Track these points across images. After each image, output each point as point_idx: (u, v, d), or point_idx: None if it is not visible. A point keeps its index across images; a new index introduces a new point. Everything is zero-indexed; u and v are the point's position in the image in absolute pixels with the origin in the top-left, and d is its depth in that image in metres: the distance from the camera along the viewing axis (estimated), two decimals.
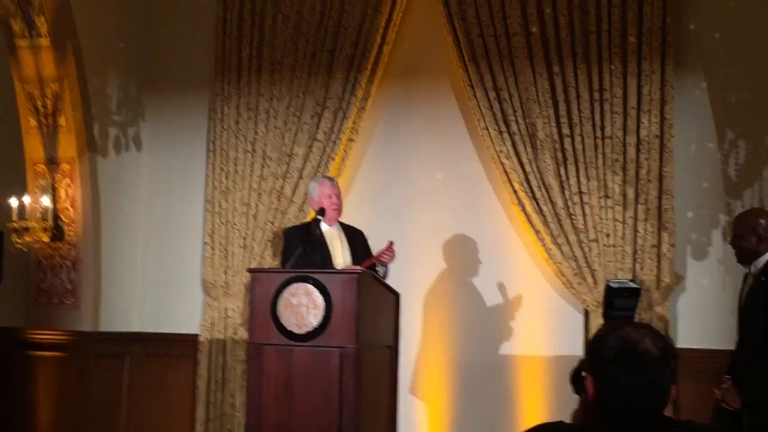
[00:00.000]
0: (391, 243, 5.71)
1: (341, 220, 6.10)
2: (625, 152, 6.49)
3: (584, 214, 6.53)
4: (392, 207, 7.05)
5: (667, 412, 2.48)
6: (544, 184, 6.59)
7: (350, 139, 7.01)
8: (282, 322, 5.16)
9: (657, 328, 2.58)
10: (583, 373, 2.54)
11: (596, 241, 6.50)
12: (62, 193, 7.02)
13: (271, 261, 6.99)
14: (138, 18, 7.61)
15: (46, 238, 6.83)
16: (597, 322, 6.42)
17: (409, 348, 6.66)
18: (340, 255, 5.91)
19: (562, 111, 6.60)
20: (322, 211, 5.83)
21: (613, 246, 6.48)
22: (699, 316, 6.46)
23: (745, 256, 5.31)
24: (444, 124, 7.02)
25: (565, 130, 6.58)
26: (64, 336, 6.95)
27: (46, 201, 6.86)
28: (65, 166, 7.02)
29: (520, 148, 6.64)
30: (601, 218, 6.50)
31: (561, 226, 6.55)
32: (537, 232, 6.62)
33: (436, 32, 6.95)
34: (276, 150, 7.10)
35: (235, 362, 7.04)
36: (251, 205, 7.12)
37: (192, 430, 7.13)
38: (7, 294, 7.33)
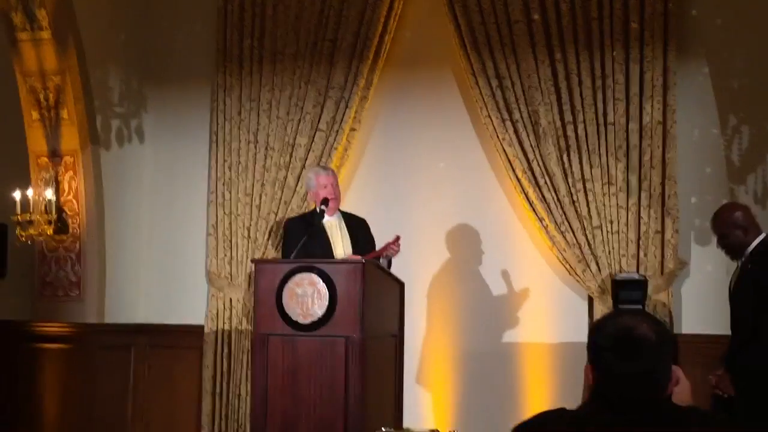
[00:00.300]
0: (398, 237, 5.70)
1: (343, 208, 6.11)
2: (627, 139, 6.48)
3: (588, 201, 6.53)
4: (395, 196, 7.05)
5: (678, 397, 2.51)
6: (547, 171, 6.59)
7: (353, 129, 7.01)
8: (287, 312, 5.18)
9: (656, 315, 2.61)
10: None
11: (600, 228, 6.50)
12: (65, 185, 7.03)
13: (274, 251, 7.00)
14: (139, 9, 7.59)
15: (50, 231, 6.83)
16: (601, 309, 6.44)
17: (414, 337, 6.66)
18: (340, 245, 5.91)
19: (565, 98, 6.59)
20: (325, 201, 5.82)
21: (617, 233, 6.47)
22: (703, 302, 6.47)
23: (737, 250, 5.35)
24: (446, 113, 7.01)
25: (568, 117, 6.57)
26: (70, 328, 6.96)
27: (49, 194, 6.86)
28: (68, 159, 7.01)
29: (523, 135, 6.64)
30: (604, 205, 6.50)
31: (564, 213, 6.55)
32: (540, 219, 6.62)
33: (437, 20, 6.94)
34: (279, 140, 7.10)
35: (240, 353, 7.06)
36: (254, 195, 7.13)
37: (198, 421, 7.15)
38: (12, 287, 7.34)
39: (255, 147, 7.16)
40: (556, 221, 6.56)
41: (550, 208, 6.58)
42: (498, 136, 6.69)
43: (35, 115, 7.00)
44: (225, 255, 7.18)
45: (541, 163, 6.60)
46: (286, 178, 7.05)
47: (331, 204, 5.88)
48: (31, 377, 6.95)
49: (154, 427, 7.36)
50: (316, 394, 5.10)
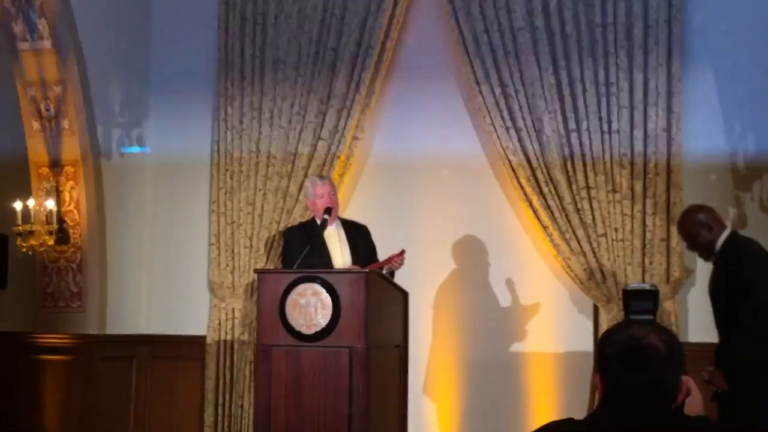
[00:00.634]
0: (403, 251, 5.68)
1: (345, 216, 6.09)
2: (632, 146, 6.46)
3: (592, 209, 6.50)
4: (398, 205, 7.02)
5: (689, 408, 2.50)
6: (551, 179, 6.56)
7: (355, 138, 6.98)
8: (290, 322, 5.14)
9: (664, 324, 2.61)
10: None
11: (605, 235, 6.47)
12: (67, 195, 6.99)
13: (277, 261, 6.96)
14: (140, 18, 7.57)
15: (51, 242, 6.80)
16: (606, 317, 6.41)
17: (419, 347, 6.62)
18: (339, 254, 5.89)
19: (569, 106, 6.57)
20: (328, 211, 5.81)
21: (622, 240, 6.44)
22: (709, 310, 6.38)
23: (707, 250, 5.37)
24: (449, 121, 6.99)
25: (572, 125, 6.55)
26: (71, 339, 6.92)
27: (50, 204, 6.82)
28: (69, 169, 6.98)
29: (527, 143, 6.61)
30: (609, 213, 6.47)
31: (569, 221, 6.52)
32: (545, 227, 6.58)
33: (440, 28, 6.93)
34: (281, 149, 7.07)
35: (242, 363, 7.02)
36: (257, 204, 7.09)
37: None
38: (13, 298, 7.31)
39: (257, 156, 7.13)
40: (560, 229, 6.53)
41: (554, 216, 6.54)
42: (502, 144, 6.66)
43: (36, 125, 6.97)
44: (227, 265, 7.15)
45: (545, 171, 6.57)
46: (288, 187, 7.02)
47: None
48: (32, 389, 6.91)
49: None
50: (319, 405, 5.06)
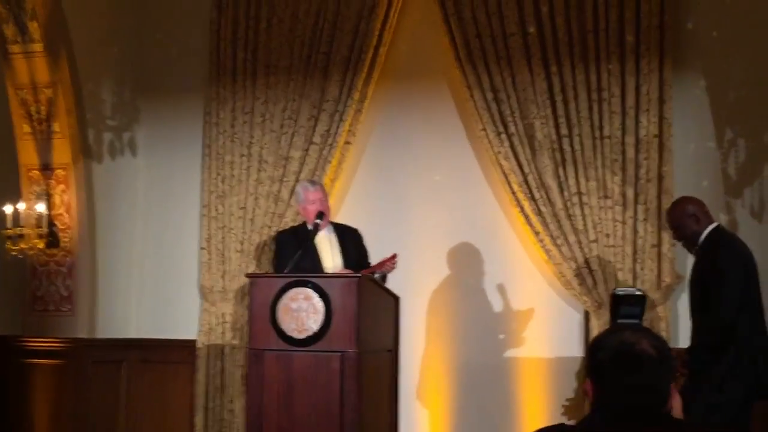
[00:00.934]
0: (395, 255, 5.68)
1: (336, 220, 6.09)
2: (624, 152, 6.46)
3: (584, 215, 6.50)
4: (390, 210, 7.01)
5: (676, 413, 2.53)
6: (543, 184, 6.56)
7: (347, 142, 6.97)
8: (282, 327, 5.14)
9: (655, 330, 2.65)
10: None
11: (596, 241, 6.47)
12: (57, 199, 6.98)
13: (268, 266, 6.95)
14: (132, 22, 7.56)
15: (41, 245, 6.79)
16: (597, 323, 6.41)
17: (410, 351, 6.61)
18: (330, 258, 5.90)
19: (560, 111, 6.57)
20: (320, 215, 5.80)
21: (613, 246, 6.45)
22: None
23: (691, 240, 5.45)
24: (441, 126, 6.99)
25: (564, 131, 6.55)
26: (61, 343, 6.90)
27: (40, 207, 6.81)
28: (60, 172, 6.97)
29: (519, 149, 6.61)
30: (600, 219, 6.48)
31: (560, 226, 6.52)
32: (536, 233, 6.58)
33: (432, 33, 6.92)
34: (272, 153, 7.06)
35: (233, 367, 7.00)
36: (248, 209, 7.08)
37: None
38: (3, 302, 7.29)
39: (248, 160, 7.12)
40: (552, 235, 6.53)
41: (546, 222, 6.54)
42: (493, 150, 6.66)
43: (27, 128, 6.96)
44: (218, 269, 7.13)
45: (536, 177, 6.57)
46: (279, 191, 7.01)
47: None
48: (21, 393, 6.89)
49: None
50: (311, 409, 5.06)
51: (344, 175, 7.05)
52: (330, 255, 5.90)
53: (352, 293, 5.10)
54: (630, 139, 6.45)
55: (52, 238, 6.91)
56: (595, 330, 6.35)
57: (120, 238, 7.34)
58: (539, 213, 6.55)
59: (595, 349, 2.51)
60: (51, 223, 6.91)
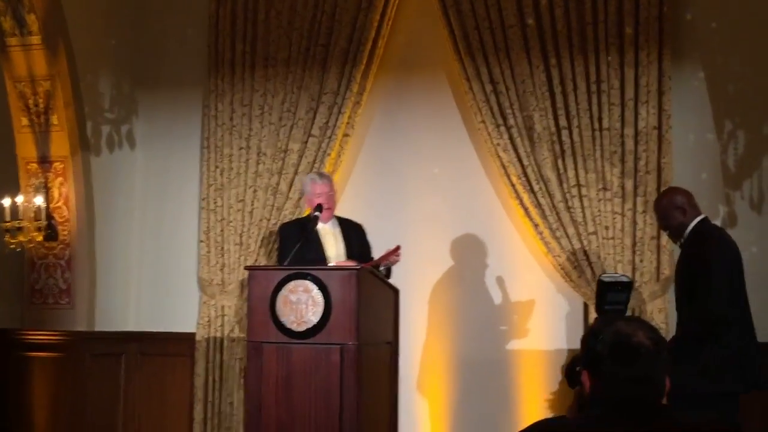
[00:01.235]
0: (398, 247, 5.68)
1: (340, 214, 6.08)
2: (623, 144, 6.46)
3: (583, 207, 6.50)
4: (389, 202, 7.01)
5: None
6: (542, 177, 6.55)
7: (346, 134, 6.96)
8: (281, 319, 5.14)
9: (652, 322, 2.64)
10: (578, 368, 2.62)
11: (595, 233, 6.47)
12: (55, 192, 6.97)
13: (266, 258, 6.95)
14: (130, 14, 7.54)
15: (39, 238, 6.78)
16: (596, 315, 6.40)
17: (409, 344, 6.60)
18: (333, 251, 5.89)
19: (560, 103, 6.56)
20: (319, 208, 5.80)
21: (612, 238, 6.45)
22: None
23: (677, 232, 5.44)
24: (440, 118, 6.98)
25: (563, 123, 6.54)
26: (60, 336, 6.90)
27: (39, 200, 6.80)
28: (58, 165, 6.96)
29: (518, 141, 6.60)
30: (599, 211, 6.47)
31: (559, 219, 6.52)
32: (535, 225, 6.58)
33: (431, 25, 6.91)
34: (271, 146, 7.05)
35: (232, 360, 6.99)
36: (247, 201, 7.07)
37: (190, 429, 7.08)
38: (1, 295, 7.27)
39: (247, 153, 7.10)
40: (551, 227, 6.53)
41: (545, 214, 6.54)
42: (492, 142, 6.65)
43: (25, 120, 6.95)
44: (217, 262, 7.12)
45: (535, 169, 6.56)
46: (278, 184, 7.00)
47: (325, 213, 5.85)
48: (20, 386, 6.89)
49: None
50: (310, 402, 5.05)
51: (343, 168, 7.04)
52: (334, 247, 5.90)
53: (352, 285, 5.09)
54: (629, 131, 6.44)
55: (51, 231, 6.91)
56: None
57: (118, 230, 7.34)
58: (538, 205, 6.55)
59: (591, 341, 2.51)
60: (49, 216, 6.90)
